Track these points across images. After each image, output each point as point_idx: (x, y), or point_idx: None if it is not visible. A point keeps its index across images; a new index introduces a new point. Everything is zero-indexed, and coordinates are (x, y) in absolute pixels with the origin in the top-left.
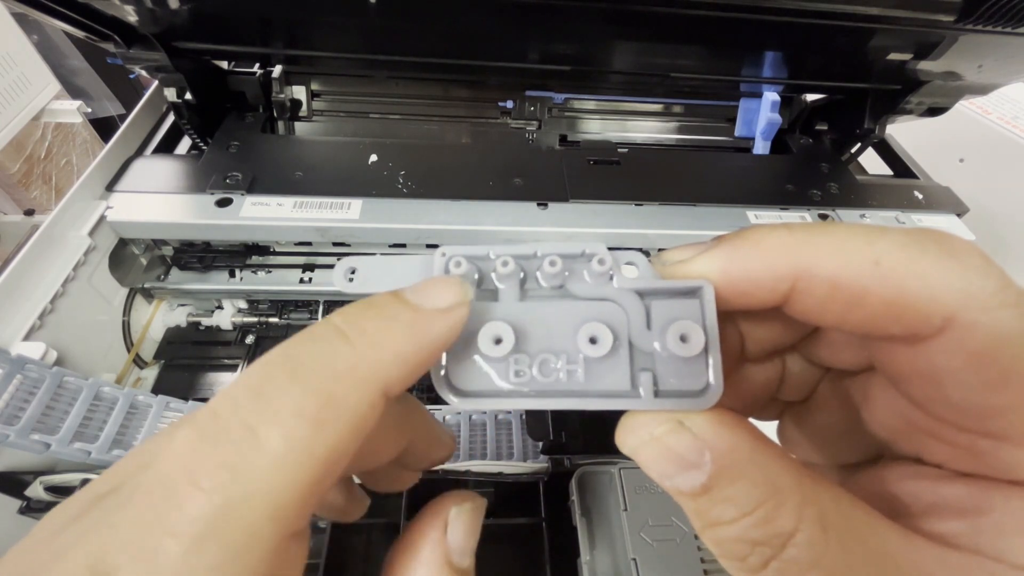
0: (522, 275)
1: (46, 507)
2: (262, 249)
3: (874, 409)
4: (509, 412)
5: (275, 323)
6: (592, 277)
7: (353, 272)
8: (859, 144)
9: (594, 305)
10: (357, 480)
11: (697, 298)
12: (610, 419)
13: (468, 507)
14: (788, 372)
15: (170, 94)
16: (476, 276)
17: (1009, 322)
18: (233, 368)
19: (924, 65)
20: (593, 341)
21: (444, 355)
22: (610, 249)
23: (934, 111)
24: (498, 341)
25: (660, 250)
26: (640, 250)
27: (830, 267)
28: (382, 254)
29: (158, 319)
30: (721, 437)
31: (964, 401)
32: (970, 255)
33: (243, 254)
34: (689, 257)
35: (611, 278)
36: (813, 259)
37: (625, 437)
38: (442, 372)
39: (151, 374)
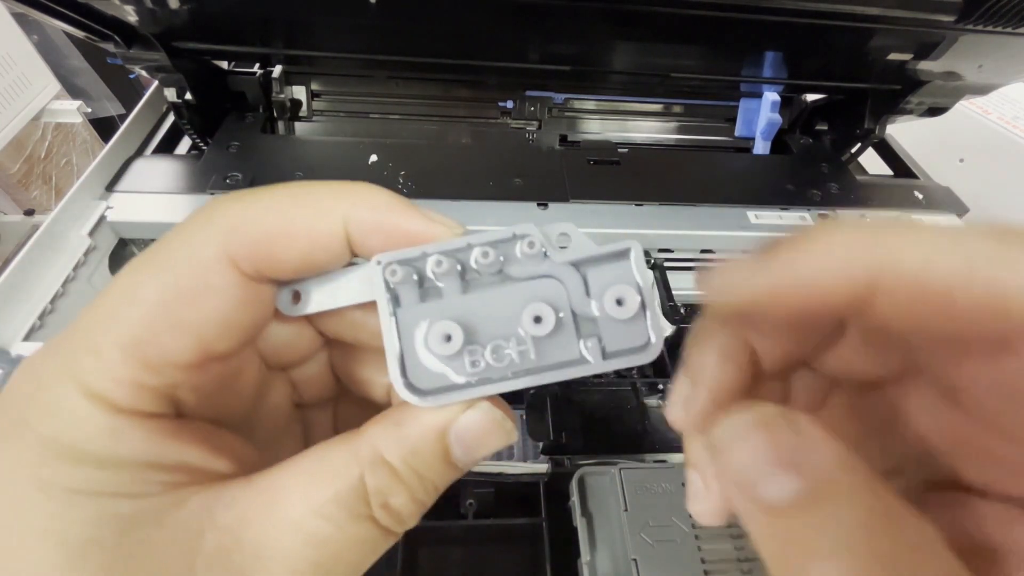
0: (460, 267)
1: None
2: None
3: (908, 422)
4: None
5: None
6: (526, 258)
7: (297, 296)
8: (859, 144)
9: (534, 284)
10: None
11: (627, 259)
12: (610, 420)
13: (486, 407)
14: (796, 384)
15: (170, 94)
16: (415, 277)
17: None
18: None
19: (924, 65)
20: (538, 320)
21: (400, 357)
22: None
23: (934, 111)
24: (448, 339)
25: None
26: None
27: (915, 267)
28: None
29: None
30: (827, 440)
31: None
32: None
33: None
34: (751, 273)
35: (545, 255)
36: (897, 257)
37: (712, 427)
38: (401, 374)
39: None
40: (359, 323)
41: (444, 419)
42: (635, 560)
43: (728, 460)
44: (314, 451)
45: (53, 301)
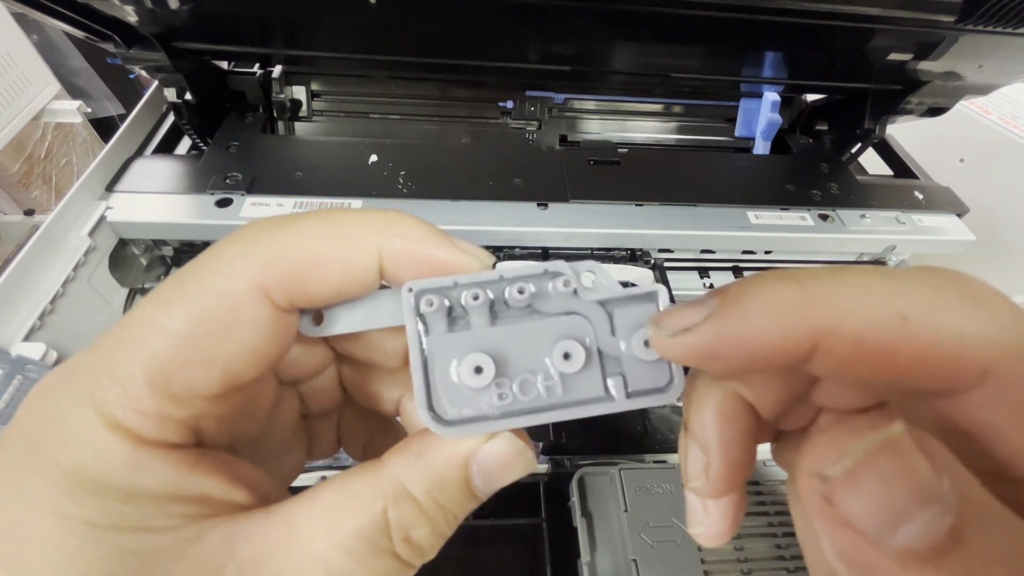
0: (490, 300)
1: None
2: None
3: None
4: None
5: None
6: (558, 295)
7: (319, 317)
8: (859, 144)
9: (563, 320)
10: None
11: (654, 301)
12: (611, 420)
13: (509, 437)
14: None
15: (170, 94)
16: (446, 306)
17: None
18: None
19: (924, 65)
20: (567, 357)
21: (427, 387)
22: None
23: (934, 111)
24: (479, 370)
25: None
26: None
27: (854, 326)
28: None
29: None
30: (946, 451)
31: (1008, 454)
32: (996, 301)
33: None
34: (693, 324)
35: (575, 292)
36: (834, 318)
37: (822, 462)
38: (427, 405)
39: None
40: (374, 342)
41: (467, 450)
42: (635, 561)
43: (846, 508)
44: (334, 483)
45: (53, 301)
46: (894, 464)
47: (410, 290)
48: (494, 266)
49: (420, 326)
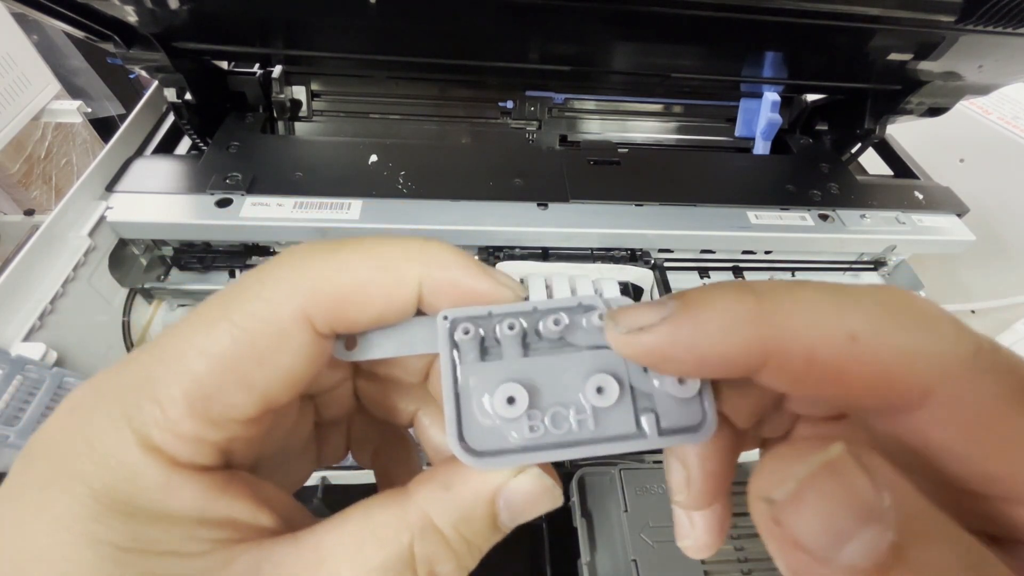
0: (524, 330)
1: None
2: (262, 250)
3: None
4: None
5: None
6: (591, 328)
7: (352, 342)
8: (859, 144)
9: (595, 354)
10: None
11: None
12: None
13: (537, 473)
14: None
15: (170, 94)
16: (480, 335)
17: (990, 387)
18: None
19: (924, 65)
20: (600, 391)
21: (458, 418)
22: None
23: (934, 111)
24: (511, 401)
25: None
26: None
27: (804, 343)
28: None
29: (158, 320)
30: (888, 469)
31: (954, 470)
32: (941, 321)
33: (243, 254)
34: (648, 324)
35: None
36: (785, 334)
37: (768, 486)
38: (458, 435)
39: None
40: (397, 359)
41: (495, 484)
42: (635, 561)
43: (793, 529)
44: (360, 510)
45: (53, 301)
46: (835, 485)
47: (445, 318)
48: (526, 298)
49: (454, 354)
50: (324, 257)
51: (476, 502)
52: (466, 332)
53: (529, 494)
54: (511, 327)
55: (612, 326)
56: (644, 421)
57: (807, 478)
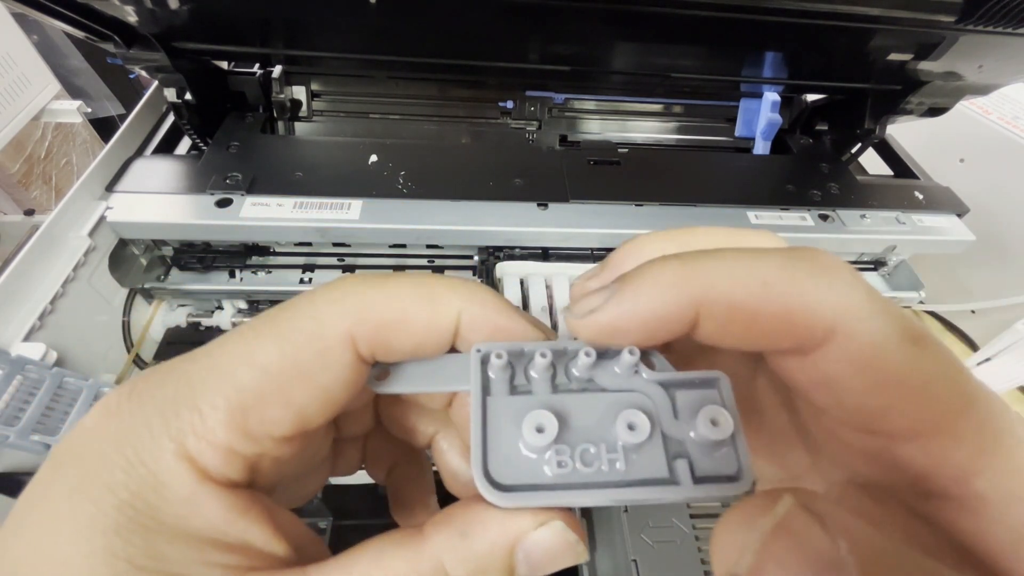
0: (553, 369)
1: None
2: (262, 249)
3: (805, 418)
4: None
5: None
6: (623, 370)
7: (384, 372)
8: (859, 144)
9: (623, 396)
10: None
11: (715, 388)
12: None
13: (561, 527)
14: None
15: (170, 94)
16: (511, 371)
17: (881, 328)
18: None
19: (924, 65)
20: (631, 428)
21: (483, 453)
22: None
23: (934, 111)
24: (541, 430)
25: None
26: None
27: (724, 291)
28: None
29: (158, 319)
30: (840, 512)
31: (855, 405)
32: (840, 270)
33: (243, 254)
34: (597, 306)
35: (636, 370)
36: (709, 286)
37: (728, 560)
38: (483, 471)
39: None
40: None
41: (515, 534)
42: (635, 561)
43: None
44: (372, 552)
45: (53, 301)
46: (790, 547)
47: (478, 351)
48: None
49: (483, 388)
50: (373, 284)
51: (494, 553)
52: (498, 363)
53: (551, 548)
54: (544, 355)
55: (569, 315)
56: (677, 466)
57: (762, 547)
